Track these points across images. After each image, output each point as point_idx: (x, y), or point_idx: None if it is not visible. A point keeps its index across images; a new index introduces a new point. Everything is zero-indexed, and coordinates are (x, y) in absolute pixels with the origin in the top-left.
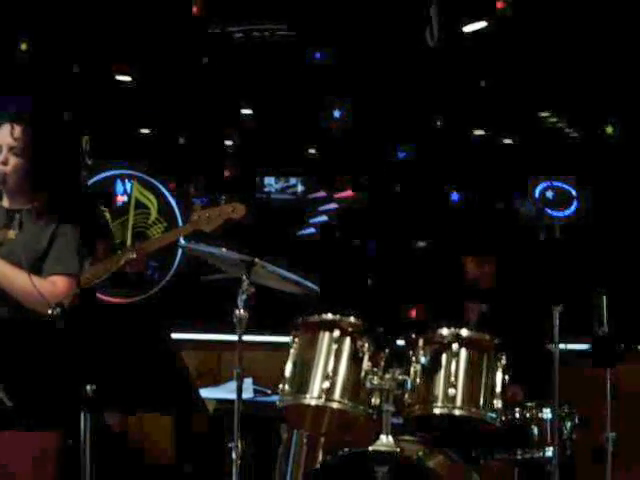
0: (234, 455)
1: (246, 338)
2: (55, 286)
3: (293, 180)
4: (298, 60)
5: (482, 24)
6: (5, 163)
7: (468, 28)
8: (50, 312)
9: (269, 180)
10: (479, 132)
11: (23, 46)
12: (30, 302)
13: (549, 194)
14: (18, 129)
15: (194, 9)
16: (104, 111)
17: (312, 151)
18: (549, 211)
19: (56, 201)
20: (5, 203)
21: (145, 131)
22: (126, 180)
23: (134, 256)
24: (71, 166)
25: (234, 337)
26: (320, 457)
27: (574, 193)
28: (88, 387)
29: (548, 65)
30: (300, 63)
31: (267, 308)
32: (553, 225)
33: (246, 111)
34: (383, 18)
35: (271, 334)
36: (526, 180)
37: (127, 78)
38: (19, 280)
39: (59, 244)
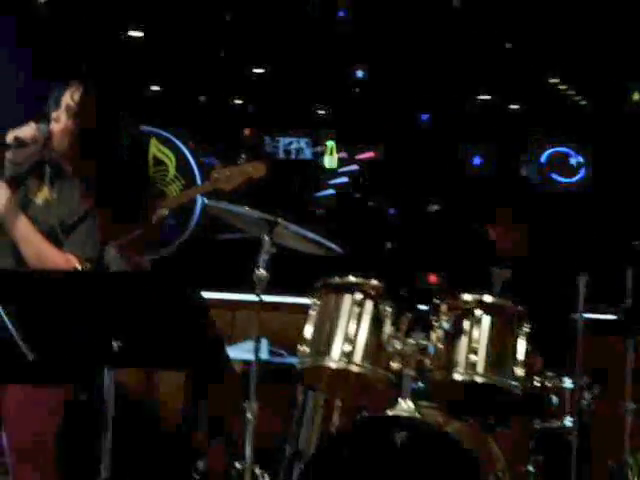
0: (249, 415)
1: (258, 298)
2: (68, 264)
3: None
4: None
5: None
6: (57, 120)
7: None
8: (80, 267)
9: (292, 140)
10: (485, 97)
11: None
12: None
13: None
14: (78, 91)
15: None
16: (115, 68)
17: (331, 112)
18: (556, 177)
19: (102, 176)
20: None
21: (156, 88)
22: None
23: (166, 213)
24: (119, 141)
25: (248, 297)
26: (336, 420)
27: (582, 160)
28: (114, 343)
29: (559, 32)
30: (326, 24)
31: (284, 269)
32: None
33: (259, 70)
34: None
35: (287, 295)
36: (533, 146)
37: (139, 34)
38: (38, 247)
39: (87, 225)
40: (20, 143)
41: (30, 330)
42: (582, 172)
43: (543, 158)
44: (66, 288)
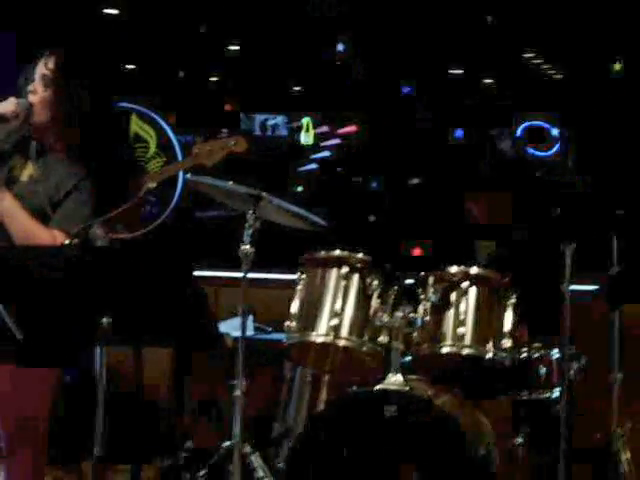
0: (237, 392)
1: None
2: (55, 241)
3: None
4: None
5: None
6: (34, 92)
7: None
8: (67, 242)
9: (268, 116)
10: (457, 71)
11: None
12: None
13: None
14: (51, 60)
15: None
16: (94, 46)
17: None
18: (531, 150)
19: (84, 151)
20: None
21: (131, 66)
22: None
23: (153, 185)
24: (103, 107)
25: (231, 274)
26: (324, 396)
27: (556, 132)
28: (104, 319)
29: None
30: None
31: (266, 244)
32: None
33: (234, 48)
34: None
35: (271, 271)
36: (509, 119)
37: (114, 11)
38: (24, 224)
39: (75, 199)
40: (1, 119)
41: (17, 309)
42: (557, 145)
43: (519, 132)
44: (53, 264)
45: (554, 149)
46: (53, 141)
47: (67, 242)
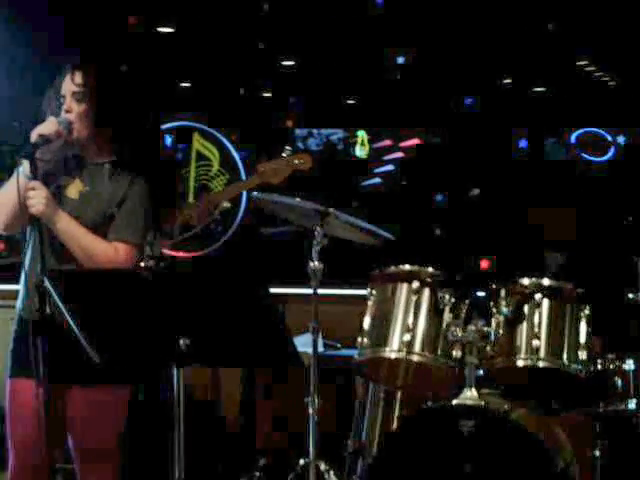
0: (311, 410)
1: (311, 291)
2: (117, 253)
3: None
4: (358, 6)
5: None
6: (69, 111)
7: None
8: (143, 265)
9: (332, 131)
10: (508, 80)
11: None
12: (91, 265)
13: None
14: (79, 75)
15: None
16: (147, 63)
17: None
18: (586, 156)
19: (127, 154)
20: (78, 152)
21: (186, 84)
22: (166, 135)
23: (228, 205)
24: (140, 117)
25: (299, 290)
26: (397, 412)
27: (610, 139)
28: (181, 341)
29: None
30: (360, 9)
31: (334, 259)
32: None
33: (289, 63)
34: None
35: (338, 287)
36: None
37: (169, 30)
38: (84, 241)
39: (128, 208)
40: (46, 140)
41: (96, 330)
42: (613, 151)
43: (573, 139)
44: (132, 286)
45: (609, 154)
46: (96, 155)
47: (143, 264)
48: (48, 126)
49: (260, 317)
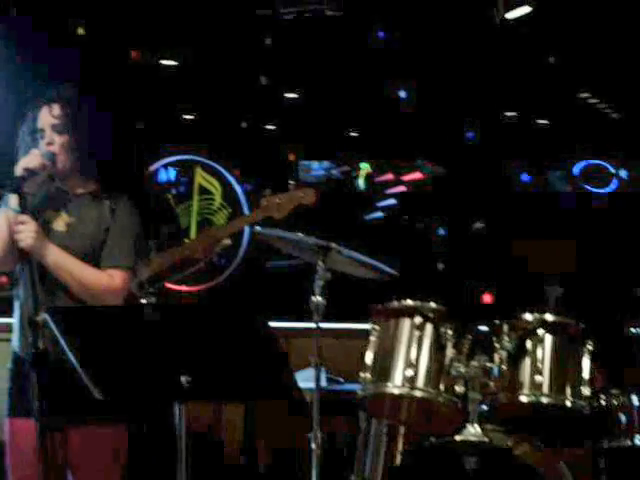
0: (313, 445)
1: (313, 325)
2: (112, 280)
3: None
4: (359, 40)
5: (526, 9)
6: (51, 143)
7: (512, 14)
8: (145, 301)
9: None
10: (512, 113)
11: (80, 30)
12: (87, 295)
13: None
14: (56, 107)
15: None
16: (152, 97)
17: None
18: (589, 188)
19: (110, 181)
20: (60, 185)
21: (189, 117)
22: (169, 168)
23: (229, 242)
24: (122, 145)
25: (301, 324)
26: (401, 447)
27: (613, 170)
28: (182, 377)
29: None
30: (362, 43)
31: (336, 294)
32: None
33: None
34: None
35: (340, 321)
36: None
37: (173, 62)
38: (76, 271)
39: (116, 234)
40: (31, 173)
41: (97, 367)
42: (615, 183)
43: (576, 170)
44: (131, 322)
45: (612, 186)
46: (78, 186)
47: (145, 302)
48: (32, 159)
49: (260, 350)
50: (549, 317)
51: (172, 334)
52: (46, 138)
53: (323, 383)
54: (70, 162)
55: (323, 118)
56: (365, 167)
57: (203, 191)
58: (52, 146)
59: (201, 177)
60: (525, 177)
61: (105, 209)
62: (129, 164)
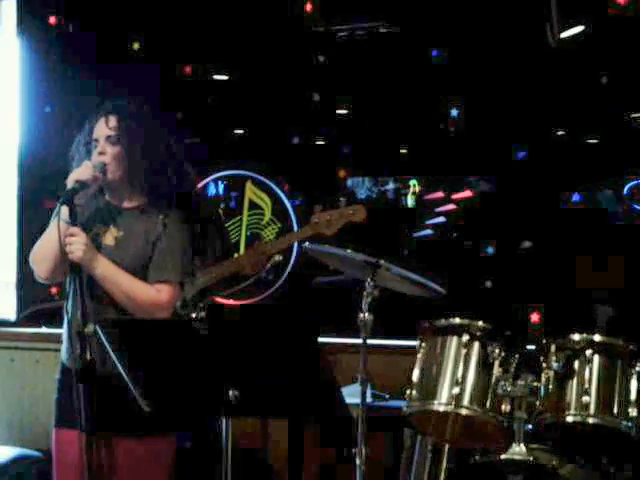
0: (358, 461)
1: (358, 341)
2: (159, 294)
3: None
4: (412, 58)
5: (579, 28)
6: (103, 153)
7: (567, 33)
8: (194, 315)
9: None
10: (561, 132)
11: (135, 45)
12: (134, 309)
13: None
14: (113, 119)
15: (307, 7)
16: (203, 112)
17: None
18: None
19: (160, 195)
20: (109, 199)
21: (239, 131)
22: (219, 182)
23: (280, 259)
24: (174, 160)
25: (349, 340)
26: (445, 465)
27: None
28: (230, 392)
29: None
30: (415, 61)
31: (384, 310)
32: None
33: (343, 112)
34: (498, 14)
35: (387, 338)
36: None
37: (225, 77)
38: (125, 285)
39: (164, 248)
40: (83, 184)
41: (144, 380)
42: None
43: (625, 190)
44: (180, 335)
45: None
46: (127, 200)
47: (194, 316)
48: (84, 171)
49: (309, 367)
50: (597, 337)
51: (221, 348)
52: (99, 148)
53: (369, 399)
54: (121, 173)
55: (374, 135)
56: (414, 184)
57: (253, 206)
58: (104, 156)
59: (251, 192)
60: (576, 197)
61: (153, 224)
62: (179, 179)
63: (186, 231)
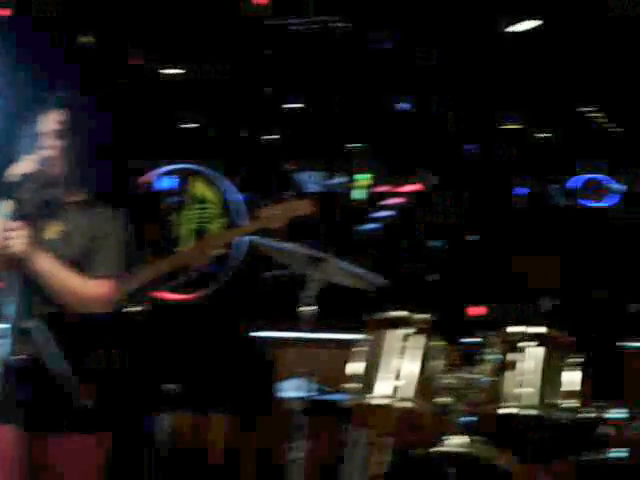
0: (297, 454)
1: (305, 335)
2: (102, 289)
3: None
4: (363, 54)
5: (532, 24)
6: (48, 147)
7: (517, 28)
8: (134, 310)
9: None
10: (515, 126)
11: (85, 40)
12: (75, 304)
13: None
14: (58, 113)
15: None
16: (152, 106)
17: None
18: (588, 202)
19: (104, 189)
20: (53, 193)
21: (188, 125)
22: (172, 176)
23: (222, 251)
24: (118, 154)
25: (291, 334)
26: (386, 458)
27: (614, 185)
28: (168, 387)
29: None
30: (361, 54)
31: (327, 304)
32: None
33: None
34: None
35: (330, 331)
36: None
37: (174, 71)
38: (67, 279)
39: (106, 243)
40: (26, 178)
41: (83, 374)
42: (615, 198)
43: (575, 185)
44: (119, 330)
45: (611, 201)
46: (71, 194)
47: (132, 309)
48: (28, 164)
49: (245, 362)
50: (535, 330)
51: (159, 343)
52: (44, 142)
53: (311, 393)
54: (65, 168)
55: (323, 129)
56: (362, 178)
57: (200, 200)
58: (49, 150)
59: (198, 186)
60: (521, 190)
61: (97, 218)
62: (124, 173)
63: (127, 225)
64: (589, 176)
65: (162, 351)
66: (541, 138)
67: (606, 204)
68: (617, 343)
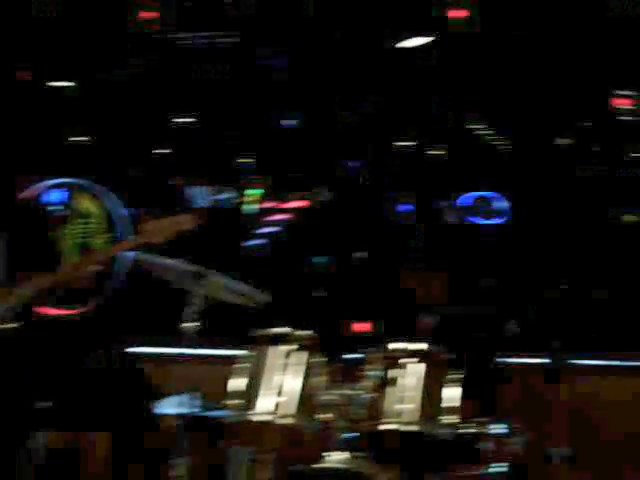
0: (179, 472)
1: (189, 352)
2: None
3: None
4: (247, 66)
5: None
6: None
7: (407, 44)
8: (7, 326)
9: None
10: (406, 143)
11: None
12: None
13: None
14: None
15: (144, 14)
16: (38, 118)
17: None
18: (476, 220)
19: None
20: None
21: (76, 138)
22: (52, 190)
23: (100, 267)
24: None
25: (175, 350)
26: (267, 474)
27: (503, 203)
28: (43, 404)
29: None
30: (249, 69)
31: (211, 320)
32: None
33: (183, 120)
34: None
35: (212, 347)
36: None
37: (63, 84)
38: None
39: None
40: None
41: None
42: (503, 217)
43: (464, 202)
44: None
45: (500, 219)
46: None
47: (6, 326)
48: None
49: (120, 379)
50: (415, 346)
51: (33, 360)
52: None
53: (195, 409)
54: None
55: (212, 144)
56: (252, 194)
57: (84, 215)
58: None
59: (83, 201)
60: (403, 207)
61: None
62: (7, 188)
63: (3, 240)
64: (479, 193)
65: (36, 368)
66: (432, 155)
67: (495, 222)
68: (496, 359)
